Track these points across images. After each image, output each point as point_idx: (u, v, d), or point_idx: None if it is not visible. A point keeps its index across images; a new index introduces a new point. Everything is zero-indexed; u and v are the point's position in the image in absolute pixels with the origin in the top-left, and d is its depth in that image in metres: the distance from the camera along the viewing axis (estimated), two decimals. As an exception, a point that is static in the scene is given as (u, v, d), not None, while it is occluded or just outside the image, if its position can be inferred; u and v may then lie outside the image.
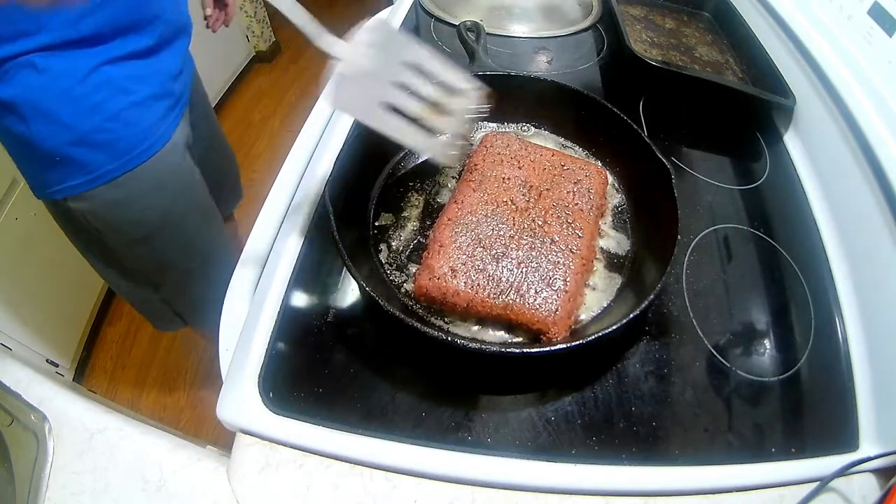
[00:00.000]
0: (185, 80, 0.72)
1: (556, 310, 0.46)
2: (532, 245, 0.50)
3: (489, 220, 0.51)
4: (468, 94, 0.46)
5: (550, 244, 0.50)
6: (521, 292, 0.47)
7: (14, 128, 0.57)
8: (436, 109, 0.46)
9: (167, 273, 0.81)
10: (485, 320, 0.48)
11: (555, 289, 0.47)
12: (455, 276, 0.47)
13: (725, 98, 0.72)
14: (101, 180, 0.63)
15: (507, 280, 0.47)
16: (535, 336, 0.47)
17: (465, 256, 0.48)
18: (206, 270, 0.83)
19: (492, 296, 0.47)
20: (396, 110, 0.45)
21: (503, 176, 0.55)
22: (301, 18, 0.42)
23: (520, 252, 0.49)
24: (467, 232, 0.50)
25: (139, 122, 0.63)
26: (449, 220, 0.51)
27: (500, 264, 0.48)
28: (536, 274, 0.48)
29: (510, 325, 0.48)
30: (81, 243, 0.74)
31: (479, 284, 0.47)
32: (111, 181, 0.63)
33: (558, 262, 0.49)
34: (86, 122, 0.59)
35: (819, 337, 0.52)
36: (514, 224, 0.52)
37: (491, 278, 0.48)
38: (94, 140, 0.60)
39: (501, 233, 0.51)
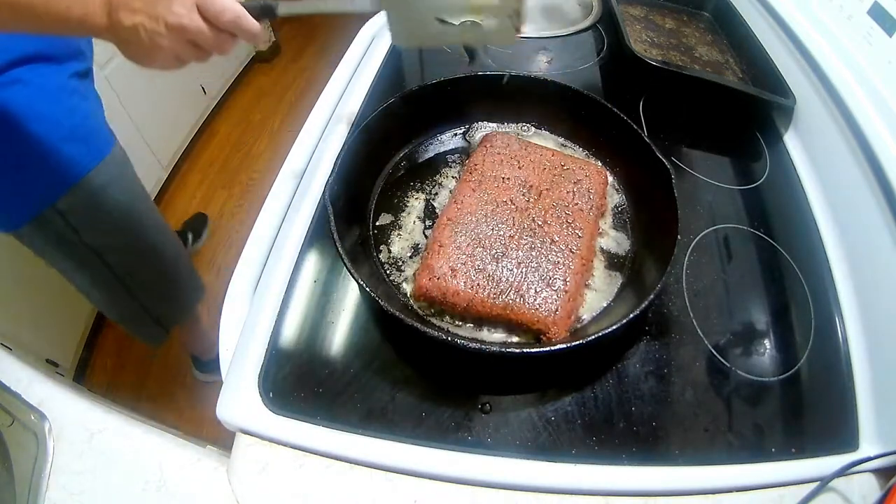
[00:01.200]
0: None
1: (556, 310, 0.46)
2: (532, 245, 0.50)
3: (489, 220, 0.51)
4: None
5: (550, 244, 0.50)
6: (521, 292, 0.47)
7: (14, 135, 0.65)
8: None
9: (141, 271, 0.88)
10: (485, 320, 0.48)
11: (555, 289, 0.47)
12: (455, 276, 0.47)
13: (725, 98, 0.72)
14: (87, 168, 0.73)
15: (507, 280, 0.47)
16: (536, 336, 0.47)
17: (464, 256, 0.48)
18: (174, 269, 0.95)
19: (492, 296, 0.47)
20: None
21: (503, 176, 0.55)
22: None
23: (519, 252, 0.49)
24: (467, 232, 0.50)
25: (100, 119, 0.77)
26: (449, 220, 0.51)
27: (499, 264, 0.48)
28: (536, 274, 0.48)
29: (510, 325, 0.48)
30: (63, 256, 0.81)
31: (478, 284, 0.47)
32: (93, 169, 0.74)
33: (558, 262, 0.49)
34: (70, 119, 0.70)
35: (819, 337, 0.52)
36: (513, 224, 0.51)
37: (491, 278, 0.47)
38: (79, 135, 0.71)
39: (501, 233, 0.51)
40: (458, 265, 0.48)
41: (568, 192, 0.54)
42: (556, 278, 0.48)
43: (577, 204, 0.54)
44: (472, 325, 0.48)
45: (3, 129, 0.63)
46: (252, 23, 0.42)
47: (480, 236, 0.50)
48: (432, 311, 0.49)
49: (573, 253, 0.50)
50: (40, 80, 0.65)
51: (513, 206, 0.53)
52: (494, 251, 0.49)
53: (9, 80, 0.62)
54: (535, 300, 0.46)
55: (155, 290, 0.93)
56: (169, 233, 0.94)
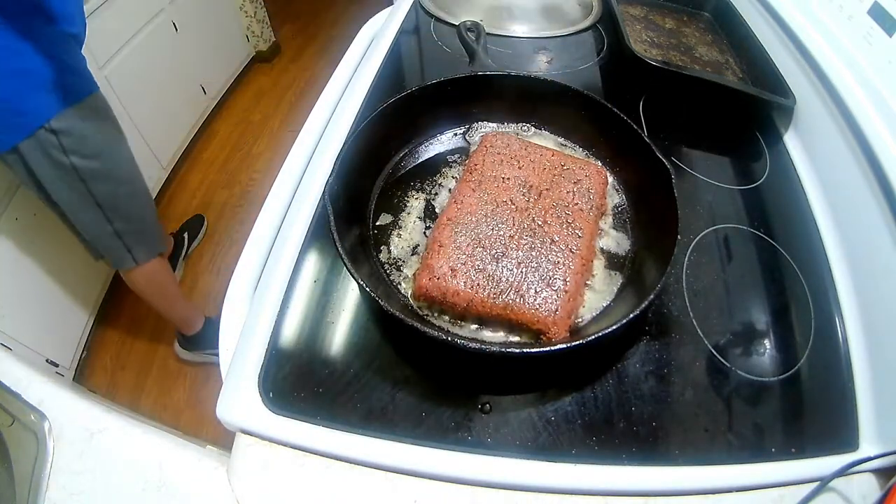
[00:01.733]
0: None
1: (556, 310, 0.46)
2: (532, 245, 0.50)
3: (489, 220, 0.51)
4: None
5: (550, 244, 0.50)
6: (521, 292, 0.47)
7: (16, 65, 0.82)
8: None
9: (118, 199, 1.04)
10: (485, 320, 0.48)
11: (555, 289, 0.47)
12: (455, 276, 0.47)
13: (725, 98, 0.72)
14: (79, 97, 0.91)
15: (507, 280, 0.47)
16: (536, 336, 0.47)
17: (464, 256, 0.48)
18: (144, 208, 1.14)
19: (492, 296, 0.47)
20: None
21: (503, 176, 0.55)
22: None
23: (519, 252, 0.49)
24: (467, 232, 0.50)
25: (85, 63, 0.95)
26: (449, 220, 0.51)
27: (499, 264, 0.48)
28: (536, 274, 0.48)
29: (510, 325, 0.48)
30: (54, 178, 0.94)
31: (478, 284, 0.47)
32: (85, 98, 0.93)
33: (558, 262, 0.49)
34: (65, 54, 0.87)
35: (819, 337, 0.52)
36: (513, 224, 0.51)
37: (491, 278, 0.47)
38: (74, 69, 0.90)
39: (501, 233, 0.51)
40: (458, 265, 0.48)
41: (568, 192, 0.54)
42: (556, 278, 0.48)
43: (577, 204, 0.54)
44: (472, 324, 0.48)
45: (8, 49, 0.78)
46: None
47: (480, 236, 0.50)
48: (432, 311, 0.49)
49: (573, 253, 0.50)
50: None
51: (513, 206, 0.53)
52: (494, 251, 0.49)
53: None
54: (535, 300, 0.46)
55: (128, 221, 1.08)
56: (141, 177, 1.12)
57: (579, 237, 0.51)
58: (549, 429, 0.44)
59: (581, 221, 0.52)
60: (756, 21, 0.81)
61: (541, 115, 0.66)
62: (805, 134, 0.69)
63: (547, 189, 0.55)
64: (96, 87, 0.97)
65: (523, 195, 0.54)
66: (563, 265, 0.49)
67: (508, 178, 0.55)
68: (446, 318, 0.49)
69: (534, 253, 0.49)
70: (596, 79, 0.79)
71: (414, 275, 0.51)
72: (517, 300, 0.46)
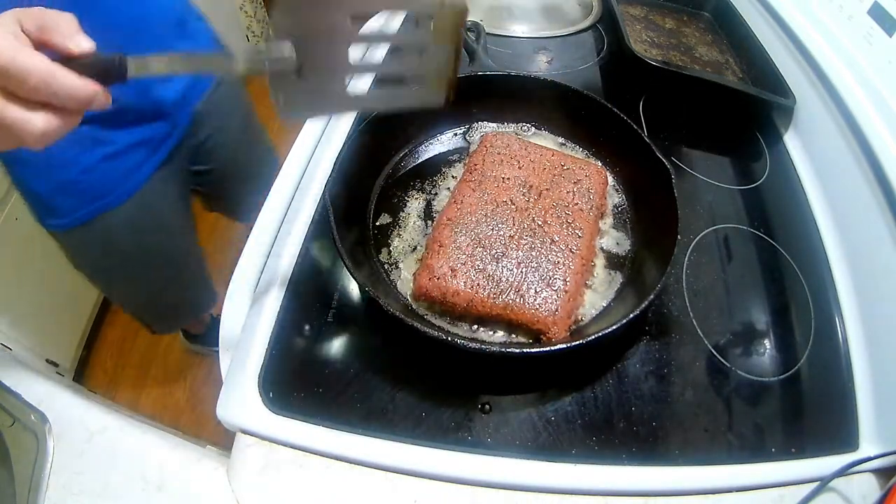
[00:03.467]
0: (183, 112, 0.72)
1: (557, 310, 0.46)
2: (532, 245, 0.50)
3: (489, 220, 0.51)
4: (442, 16, 0.36)
5: (550, 244, 0.50)
6: (521, 292, 0.47)
7: (8, 169, 0.64)
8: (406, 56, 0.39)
9: (167, 284, 0.88)
10: (485, 320, 0.48)
11: (555, 289, 0.47)
12: (455, 276, 0.47)
13: (725, 98, 0.72)
14: (77, 223, 0.67)
15: (507, 280, 0.47)
16: (536, 336, 0.47)
17: (464, 256, 0.48)
18: (196, 283, 0.95)
19: (492, 296, 0.47)
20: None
21: (503, 176, 0.55)
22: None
23: (519, 252, 0.49)
24: (467, 232, 0.50)
25: (112, 171, 0.66)
26: (448, 220, 0.51)
27: (499, 264, 0.48)
28: (536, 274, 0.48)
29: (510, 325, 0.48)
30: (110, 264, 0.79)
31: (478, 284, 0.47)
32: (85, 223, 0.68)
33: (558, 262, 0.49)
34: (61, 174, 0.63)
35: (819, 337, 0.52)
36: (513, 224, 0.51)
37: (491, 278, 0.47)
38: (70, 190, 0.64)
39: (501, 233, 0.51)
40: (458, 265, 0.48)
41: (568, 192, 0.54)
42: (556, 278, 0.48)
43: (577, 204, 0.54)
44: (471, 325, 0.48)
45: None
46: (72, 82, 0.30)
47: (480, 236, 0.50)
48: (432, 311, 0.49)
49: (573, 253, 0.50)
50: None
51: (513, 206, 0.53)
52: (494, 251, 0.49)
53: None
54: (536, 300, 0.46)
55: (176, 300, 0.95)
56: (197, 253, 0.93)
57: (579, 237, 0.51)
58: (549, 429, 0.44)
59: (581, 221, 0.52)
60: (756, 21, 0.81)
61: (541, 115, 0.66)
62: (805, 134, 0.69)
63: (547, 189, 0.55)
64: (126, 194, 0.74)
65: (523, 195, 0.54)
66: (564, 265, 0.49)
67: (508, 178, 0.55)
68: (447, 318, 0.49)
69: (534, 253, 0.49)
70: (596, 79, 0.79)
71: (414, 275, 0.51)
72: (517, 300, 0.46)
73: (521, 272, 0.48)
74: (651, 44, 0.81)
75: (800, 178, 0.66)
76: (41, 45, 0.31)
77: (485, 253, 0.49)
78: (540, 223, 0.52)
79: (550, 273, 0.48)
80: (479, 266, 0.48)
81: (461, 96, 0.64)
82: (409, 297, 0.50)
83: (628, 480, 0.42)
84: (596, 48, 0.85)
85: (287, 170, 0.62)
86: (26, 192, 0.67)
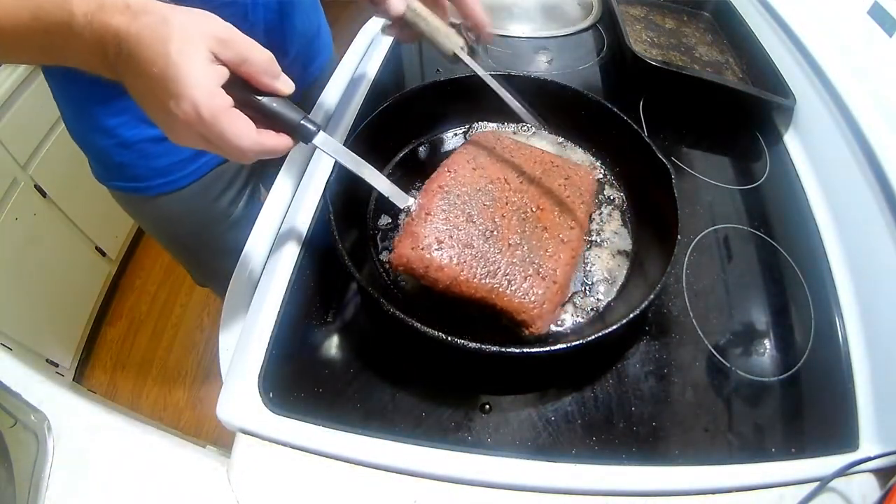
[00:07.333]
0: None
1: (544, 303, 0.45)
2: (524, 229, 0.48)
3: (482, 195, 0.49)
4: None
5: (543, 231, 0.49)
6: (509, 278, 0.44)
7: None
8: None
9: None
10: (465, 302, 0.45)
11: (544, 279, 0.46)
12: (441, 248, 0.44)
13: (725, 98, 0.71)
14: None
15: (496, 262, 0.45)
16: (516, 326, 0.45)
17: (452, 229, 0.45)
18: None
19: (478, 276, 0.44)
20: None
21: (496, 162, 0.54)
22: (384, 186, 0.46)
23: (511, 234, 0.47)
24: (459, 203, 0.47)
25: (160, 156, 0.63)
26: (439, 187, 0.48)
27: (488, 243, 0.46)
28: (526, 260, 0.46)
29: (493, 312, 0.46)
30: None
31: (465, 262, 0.44)
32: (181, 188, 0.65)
33: (549, 252, 0.48)
34: (100, 140, 0.60)
35: (819, 337, 0.52)
36: (506, 203, 0.49)
37: (477, 257, 0.45)
38: (105, 161, 0.63)
39: (493, 210, 0.48)
40: (445, 237, 0.45)
41: (560, 185, 0.54)
42: (546, 268, 0.46)
43: (568, 196, 0.53)
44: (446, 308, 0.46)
45: None
46: (273, 146, 0.34)
47: (471, 211, 0.47)
48: (433, 310, 0.49)
49: (564, 244, 0.49)
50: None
51: (507, 186, 0.51)
52: (485, 228, 0.47)
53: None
54: (522, 288, 0.45)
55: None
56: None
57: (571, 229, 0.50)
58: (549, 429, 0.44)
59: (573, 214, 0.51)
60: (756, 21, 0.81)
61: (540, 114, 0.65)
62: (805, 134, 0.69)
63: (540, 178, 0.54)
64: (172, 185, 0.73)
65: (517, 177, 0.53)
66: (554, 255, 0.47)
67: (504, 161, 0.54)
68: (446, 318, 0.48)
69: (525, 238, 0.47)
70: (596, 79, 0.79)
71: (395, 241, 0.47)
72: (504, 285, 0.44)
73: (511, 255, 0.45)
74: (651, 44, 0.81)
75: (800, 178, 0.66)
76: (237, 76, 0.32)
77: (474, 229, 0.46)
78: (533, 209, 0.50)
79: (540, 262, 0.46)
80: (466, 241, 0.45)
81: (461, 96, 0.64)
82: (409, 297, 0.50)
83: (628, 480, 0.42)
84: (596, 48, 0.85)
85: (287, 170, 0.63)
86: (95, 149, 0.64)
